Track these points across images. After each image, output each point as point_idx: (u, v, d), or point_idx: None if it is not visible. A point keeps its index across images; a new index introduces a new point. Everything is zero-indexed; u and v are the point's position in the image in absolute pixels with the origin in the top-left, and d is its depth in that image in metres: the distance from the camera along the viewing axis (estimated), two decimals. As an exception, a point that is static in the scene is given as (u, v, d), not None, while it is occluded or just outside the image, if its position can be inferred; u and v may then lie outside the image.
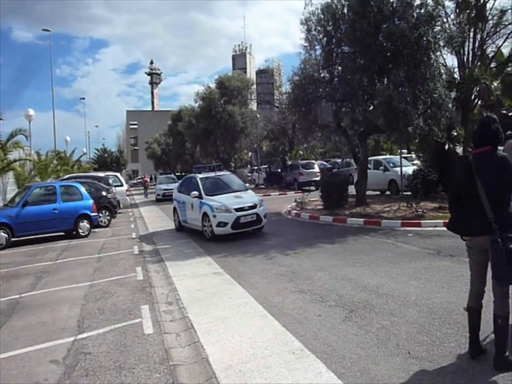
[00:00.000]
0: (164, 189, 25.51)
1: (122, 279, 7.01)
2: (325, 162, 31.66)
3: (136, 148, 79.78)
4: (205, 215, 10.05)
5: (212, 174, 11.64)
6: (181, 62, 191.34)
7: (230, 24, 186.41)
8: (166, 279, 6.91)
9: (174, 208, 12.42)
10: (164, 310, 5.35)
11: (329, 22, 12.44)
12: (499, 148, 3.43)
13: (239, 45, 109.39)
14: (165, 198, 24.12)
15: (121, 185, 19.89)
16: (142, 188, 35.75)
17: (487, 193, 3.18)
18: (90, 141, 70.35)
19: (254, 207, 10.03)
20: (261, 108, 42.53)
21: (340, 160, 32.17)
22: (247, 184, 29.94)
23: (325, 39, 12.70)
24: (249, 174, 34.51)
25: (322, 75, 13.19)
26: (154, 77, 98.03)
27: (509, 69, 22.42)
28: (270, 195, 22.71)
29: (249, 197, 10.63)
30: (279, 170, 29.68)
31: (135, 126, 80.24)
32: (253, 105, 37.13)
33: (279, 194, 22.81)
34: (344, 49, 12.51)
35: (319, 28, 12.73)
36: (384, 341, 3.85)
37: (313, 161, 28.76)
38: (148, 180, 38.16)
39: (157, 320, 4.98)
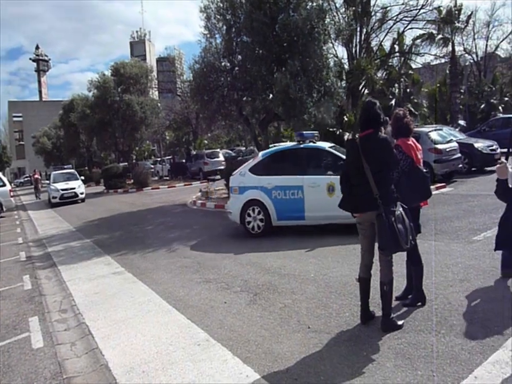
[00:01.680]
0: (63, 189, 19.86)
1: (5, 291, 6.17)
2: (229, 151, 31.90)
3: (21, 142, 71.24)
4: None
5: (331, 144, 8.26)
6: (72, 48, 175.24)
7: (126, 10, 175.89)
8: (59, 285, 6.27)
9: (248, 203, 7.83)
10: (57, 319, 4.85)
11: (228, 10, 12.37)
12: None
13: (137, 31, 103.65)
14: (64, 202, 19.46)
15: (4, 185, 17.56)
16: (32, 187, 32.03)
17: (372, 172, 3.44)
18: (-37, 137, 61.04)
19: None
20: (163, 97, 41.12)
21: (244, 148, 32.72)
22: (156, 178, 29.07)
23: (225, 27, 12.61)
24: (153, 166, 33.24)
25: (223, 64, 13.14)
26: (41, 64, 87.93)
27: (390, 61, 25.04)
28: (175, 186, 22.20)
29: None
30: (184, 161, 29.10)
31: (20, 119, 71.49)
32: (154, 94, 35.70)
33: (184, 185, 22.39)
34: (244, 38, 12.57)
35: (219, 16, 12.60)
36: (287, 319, 3.99)
37: (218, 150, 28.79)
38: (39, 177, 34.36)
39: (48, 331, 4.49)
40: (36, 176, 32.01)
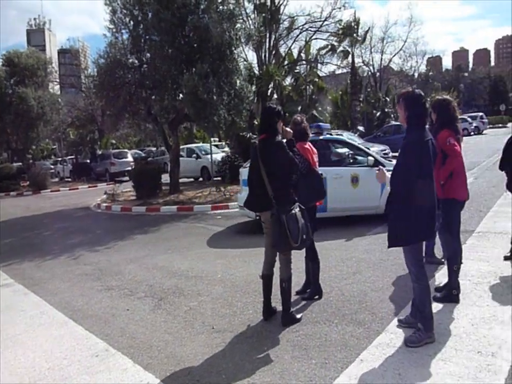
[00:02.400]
0: None
1: None
2: (139, 151, 30.73)
3: None
4: None
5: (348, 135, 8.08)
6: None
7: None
8: None
9: None
10: None
11: (135, 6, 11.91)
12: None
13: (35, 19, 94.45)
14: None
15: None
16: None
17: (267, 174, 3.62)
18: None
19: None
20: (65, 92, 38.04)
21: (155, 149, 31.80)
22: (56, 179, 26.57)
23: (132, 23, 12.12)
24: (52, 167, 30.49)
25: (130, 60, 12.64)
26: None
27: (297, 68, 26.38)
28: (77, 189, 20.70)
29: None
30: (88, 161, 27.24)
31: None
32: (55, 88, 32.92)
33: (89, 187, 21.00)
34: (152, 37, 12.19)
35: (125, 11, 12.07)
36: (191, 322, 3.97)
37: (127, 150, 27.53)
38: None
39: None
40: None
